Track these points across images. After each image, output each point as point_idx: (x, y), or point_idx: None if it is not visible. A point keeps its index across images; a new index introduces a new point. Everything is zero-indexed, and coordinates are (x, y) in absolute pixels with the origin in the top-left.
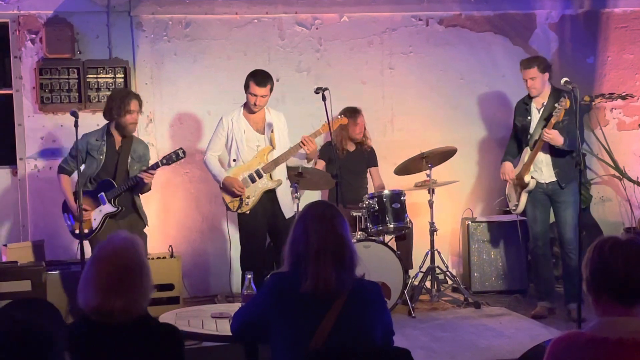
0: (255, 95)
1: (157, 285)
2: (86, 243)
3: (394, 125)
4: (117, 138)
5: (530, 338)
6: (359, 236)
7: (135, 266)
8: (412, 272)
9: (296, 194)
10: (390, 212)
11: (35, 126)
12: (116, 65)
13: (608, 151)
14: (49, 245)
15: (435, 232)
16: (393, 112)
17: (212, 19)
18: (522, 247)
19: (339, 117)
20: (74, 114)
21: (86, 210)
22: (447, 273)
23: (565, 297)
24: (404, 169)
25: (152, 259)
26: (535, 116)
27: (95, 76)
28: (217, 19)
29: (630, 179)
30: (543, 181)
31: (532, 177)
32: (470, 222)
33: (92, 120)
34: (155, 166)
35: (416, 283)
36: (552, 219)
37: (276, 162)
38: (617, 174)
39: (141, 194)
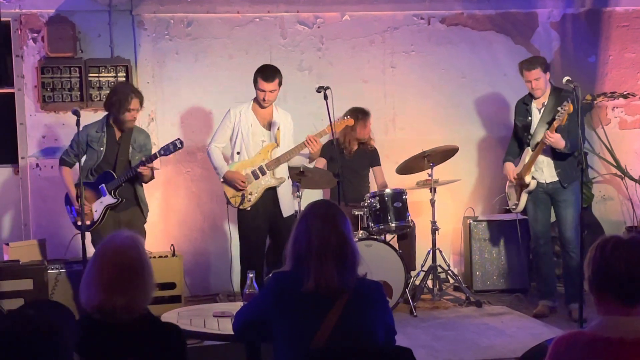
0: (264, 91)
1: (159, 284)
2: (87, 236)
3: (395, 124)
4: (117, 129)
5: (532, 337)
6: (360, 235)
7: (138, 264)
8: (413, 271)
9: (298, 193)
10: (392, 211)
11: (36, 125)
12: (118, 64)
13: (610, 150)
14: (50, 243)
15: (436, 231)
16: (395, 111)
17: (213, 18)
18: (523, 246)
19: (346, 117)
20: (76, 113)
21: (87, 202)
22: (449, 272)
23: (566, 297)
24: (405, 168)
25: (154, 257)
26: (536, 116)
27: (97, 75)
28: (218, 18)
29: (632, 178)
30: (544, 181)
31: (532, 178)
32: (471, 221)
33: (94, 119)
34: (153, 157)
35: (418, 282)
36: (553, 217)
37: (279, 161)
38: (618, 172)
39: (145, 183)
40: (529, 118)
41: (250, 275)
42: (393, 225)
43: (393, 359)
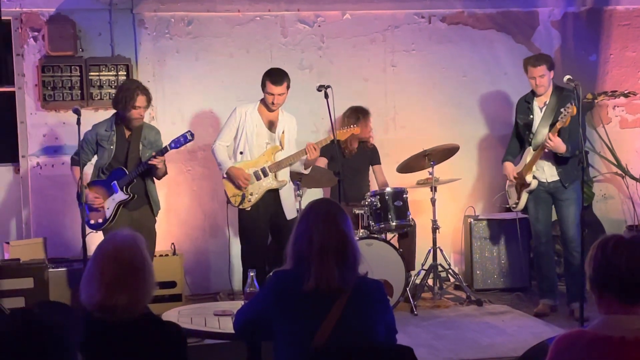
0: (272, 94)
1: (160, 282)
2: (93, 237)
3: (396, 122)
4: (126, 126)
5: (533, 336)
6: (361, 234)
7: (138, 263)
8: (413, 271)
9: (298, 192)
10: (393, 209)
11: (37, 124)
12: (118, 62)
13: (610, 149)
14: (51, 242)
15: (437, 230)
16: (395, 110)
17: (214, 17)
18: (524, 244)
19: (352, 126)
20: (77, 112)
21: (98, 199)
22: (449, 271)
23: (568, 296)
24: (406, 167)
25: (155, 256)
26: (538, 115)
27: (97, 74)
28: (219, 17)
29: (632, 177)
30: (545, 180)
31: (534, 177)
32: (472, 220)
33: (95, 118)
34: (165, 150)
35: (418, 281)
36: (554, 216)
37: (280, 164)
38: (619, 171)
39: (157, 179)
40: (531, 116)
41: (251, 274)
42: (394, 224)
43: (394, 358)
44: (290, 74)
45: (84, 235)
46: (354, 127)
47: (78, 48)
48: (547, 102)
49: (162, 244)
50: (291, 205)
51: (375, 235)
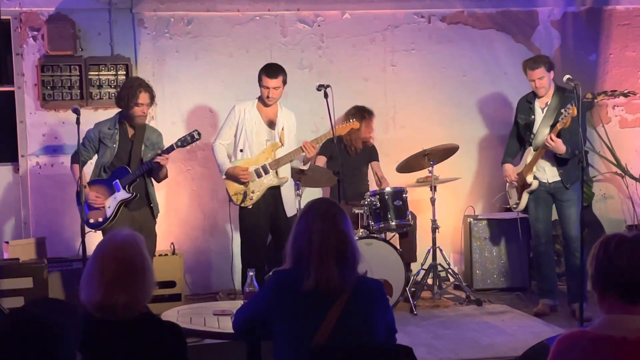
0: (268, 88)
1: (159, 282)
2: (93, 236)
3: (396, 122)
4: (129, 125)
5: (533, 335)
6: (360, 233)
7: (138, 262)
8: (414, 269)
9: (298, 191)
10: (392, 209)
11: (37, 123)
12: (118, 62)
13: (610, 149)
14: (50, 242)
15: (437, 230)
16: (395, 110)
17: (214, 16)
18: (523, 244)
19: (351, 120)
20: (76, 111)
21: (99, 198)
22: (449, 270)
23: (569, 296)
24: (405, 166)
25: (154, 256)
26: (539, 115)
27: (97, 73)
28: (219, 16)
29: (632, 177)
30: (546, 180)
31: (534, 178)
32: (472, 220)
33: (94, 117)
34: (170, 149)
35: (418, 280)
36: (553, 216)
37: (279, 162)
38: (619, 171)
39: (157, 181)
40: (532, 117)
41: (251, 274)
42: (393, 223)
43: (393, 358)
44: (290, 73)
45: (83, 235)
46: (353, 122)
47: (77, 47)
48: (548, 103)
49: (161, 244)
50: (292, 202)
51: (375, 235)
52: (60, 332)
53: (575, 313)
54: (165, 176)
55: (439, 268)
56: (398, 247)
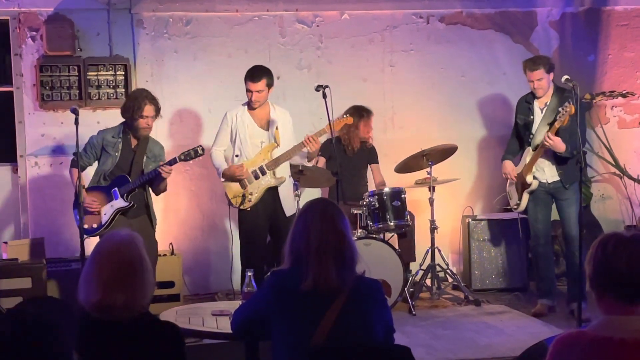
0: (251, 92)
1: (158, 282)
2: (91, 238)
3: (394, 122)
4: (133, 136)
5: (531, 336)
6: (359, 234)
7: (137, 262)
8: (412, 270)
9: (297, 192)
10: (391, 209)
11: (35, 123)
12: (117, 62)
13: (608, 149)
14: (49, 242)
15: (435, 230)
16: (394, 110)
17: (212, 17)
18: (522, 244)
19: (345, 116)
20: (75, 111)
21: (95, 203)
22: (448, 271)
23: (569, 296)
24: (404, 167)
25: (156, 263)
26: (538, 115)
27: (95, 73)
28: (217, 17)
29: (630, 177)
30: (545, 180)
31: (534, 178)
32: (470, 220)
33: (93, 118)
34: (173, 162)
35: (417, 280)
36: (553, 217)
37: (278, 160)
38: (617, 171)
39: (157, 194)
40: (531, 117)
41: (249, 274)
42: (392, 224)
43: (392, 358)
44: (288, 73)
45: (82, 235)
46: (347, 117)
47: (76, 48)
48: (547, 103)
49: (160, 244)
50: (290, 202)
51: (374, 235)
52: (57, 331)
53: (574, 313)
54: (165, 189)
55: (438, 268)
56: (397, 247)
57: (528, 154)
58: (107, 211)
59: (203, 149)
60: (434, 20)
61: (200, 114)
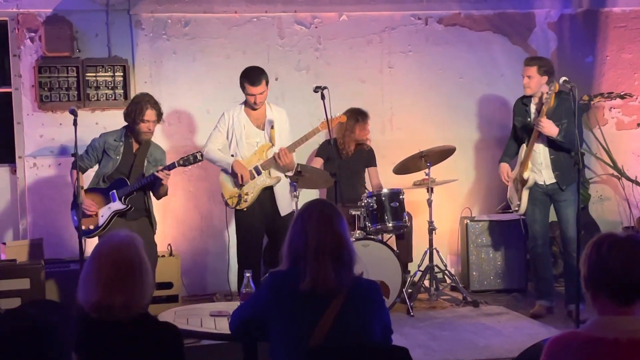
0: (253, 95)
1: (156, 283)
2: (90, 241)
3: (393, 124)
4: (135, 140)
5: (529, 337)
6: (357, 235)
7: (136, 263)
8: (411, 271)
9: (295, 193)
10: (389, 211)
11: (34, 124)
12: (115, 63)
13: (607, 150)
14: (48, 243)
15: (433, 231)
16: (392, 111)
17: (211, 18)
18: (520, 246)
19: (339, 115)
20: (73, 112)
21: (93, 206)
22: (446, 272)
23: (566, 297)
24: (402, 168)
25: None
26: (535, 117)
27: (94, 74)
28: (216, 18)
29: (628, 178)
30: (543, 182)
31: (532, 172)
32: (468, 221)
33: (91, 119)
34: (172, 166)
35: (415, 281)
36: (551, 218)
37: (269, 163)
38: (615, 173)
39: (157, 198)
40: (528, 119)
41: (247, 275)
42: (390, 225)
43: (390, 359)
44: (287, 75)
45: (80, 236)
46: (340, 115)
47: (75, 49)
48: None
49: (159, 245)
50: (286, 201)
51: (372, 236)
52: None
53: (572, 314)
54: (166, 193)
55: (436, 269)
56: (395, 248)
57: (523, 151)
58: (104, 213)
59: (202, 155)
60: (432, 22)
61: (198, 115)
